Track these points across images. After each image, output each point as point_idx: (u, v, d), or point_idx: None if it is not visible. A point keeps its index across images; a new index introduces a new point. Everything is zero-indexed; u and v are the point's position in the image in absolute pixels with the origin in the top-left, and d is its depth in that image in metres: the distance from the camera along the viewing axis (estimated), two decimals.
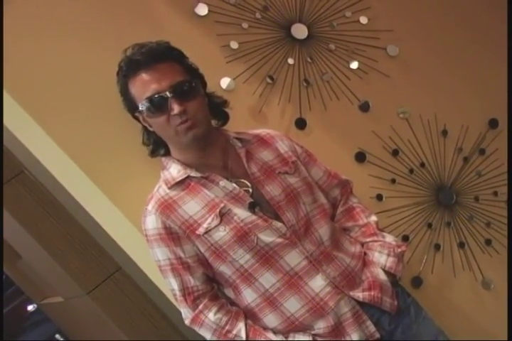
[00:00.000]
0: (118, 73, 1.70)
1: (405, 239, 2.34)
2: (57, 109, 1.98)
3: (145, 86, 1.63)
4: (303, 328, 1.69)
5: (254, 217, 1.66)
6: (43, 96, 1.97)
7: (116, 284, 3.77)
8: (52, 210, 3.70)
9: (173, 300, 1.79)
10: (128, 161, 2.00)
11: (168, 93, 1.61)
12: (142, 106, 1.64)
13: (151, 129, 1.73)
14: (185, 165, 1.72)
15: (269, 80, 2.27)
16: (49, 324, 6.86)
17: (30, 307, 8.12)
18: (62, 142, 1.97)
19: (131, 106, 1.71)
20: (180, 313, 1.76)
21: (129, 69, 1.66)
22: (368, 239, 1.84)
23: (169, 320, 3.69)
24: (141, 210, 1.74)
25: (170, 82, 1.62)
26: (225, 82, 2.19)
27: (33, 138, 2.07)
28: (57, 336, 7.00)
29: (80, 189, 2.13)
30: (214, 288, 1.75)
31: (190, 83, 1.66)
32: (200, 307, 1.70)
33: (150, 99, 1.63)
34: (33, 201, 3.71)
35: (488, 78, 2.68)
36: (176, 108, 1.61)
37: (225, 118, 1.83)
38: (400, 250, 1.82)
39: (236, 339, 1.67)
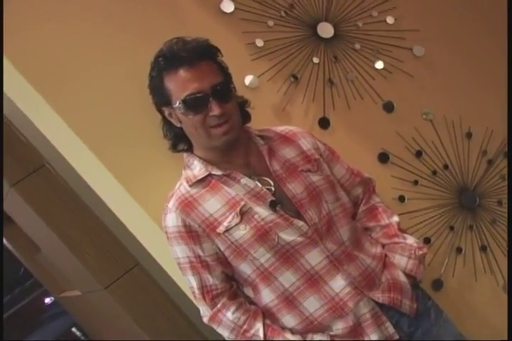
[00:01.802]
0: (153, 66, 1.68)
1: (427, 241, 2.31)
2: (79, 102, 1.98)
3: (185, 83, 1.62)
4: (321, 328, 1.68)
5: (275, 216, 1.65)
6: (65, 88, 1.97)
7: (134, 279, 3.78)
8: (72, 204, 3.72)
9: (191, 297, 1.79)
10: (148, 154, 2.00)
11: (210, 93, 1.61)
12: (180, 103, 1.63)
13: (177, 125, 1.71)
14: (207, 162, 1.71)
15: (292, 79, 2.26)
16: (66, 317, 6.92)
17: (47, 300, 8.21)
18: (83, 135, 1.97)
19: (161, 100, 1.69)
20: (198, 311, 1.76)
21: (169, 63, 1.64)
22: (389, 241, 1.83)
23: (187, 318, 3.70)
24: (160, 205, 1.74)
25: (211, 82, 1.62)
26: (249, 80, 2.18)
27: (55, 131, 2.09)
28: (74, 329, 7.06)
29: (100, 183, 2.15)
30: (233, 287, 1.74)
31: (229, 84, 1.67)
32: (219, 305, 1.70)
33: (190, 97, 1.61)
34: (54, 195, 3.74)
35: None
36: (216, 109, 1.60)
37: (247, 118, 1.82)
38: (421, 252, 1.80)
39: (254, 338, 1.67)
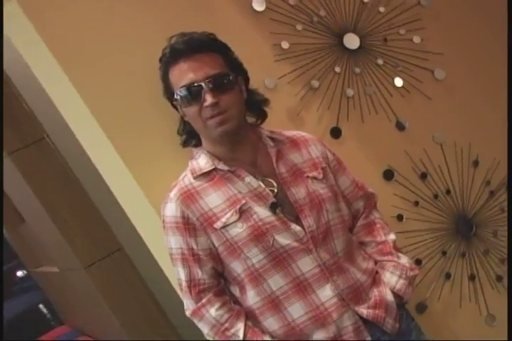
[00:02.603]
0: (161, 60, 1.72)
1: (418, 263, 2.31)
2: (96, 76, 1.98)
3: (182, 74, 1.65)
4: (302, 336, 1.68)
5: (273, 218, 1.66)
6: (84, 59, 1.98)
7: (115, 263, 3.80)
8: (65, 181, 3.74)
9: (168, 289, 1.78)
10: (159, 144, 2.00)
11: (203, 83, 1.62)
12: (177, 94, 1.66)
13: (185, 119, 1.74)
14: (214, 157, 1.72)
15: (313, 85, 2.26)
16: (36, 293, 6.88)
17: (19, 273, 8.16)
18: (95, 110, 1.97)
19: (168, 93, 1.72)
20: (174, 304, 1.75)
21: (170, 56, 1.68)
22: (382, 258, 1.83)
23: (161, 308, 3.71)
24: (162, 193, 1.74)
25: (206, 73, 1.63)
26: (269, 81, 2.18)
27: (66, 103, 2.09)
28: (41, 306, 7.02)
29: (105, 162, 2.14)
30: (220, 284, 1.74)
31: (228, 76, 1.67)
32: (204, 300, 1.69)
33: (185, 88, 1.64)
34: (48, 168, 3.75)
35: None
36: (208, 99, 1.61)
37: (263, 116, 1.83)
38: (412, 273, 1.81)
39: (233, 338, 1.67)
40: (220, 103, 1.62)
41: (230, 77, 1.67)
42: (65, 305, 5.58)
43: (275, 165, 1.73)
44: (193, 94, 1.63)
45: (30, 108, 3.44)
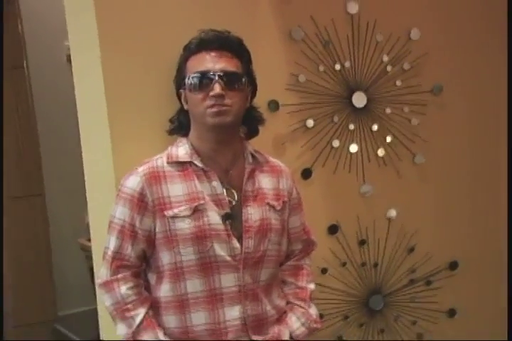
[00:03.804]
0: (185, 47, 1.79)
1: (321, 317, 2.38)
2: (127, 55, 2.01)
3: (200, 62, 1.72)
4: None
5: (221, 227, 1.70)
6: (123, 35, 2.00)
7: (31, 206, 3.78)
8: (23, 113, 3.72)
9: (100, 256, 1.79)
10: (154, 137, 2.00)
11: (217, 75, 1.68)
12: (189, 78, 1.71)
13: (185, 107, 1.78)
14: (195, 151, 1.76)
15: (308, 124, 2.35)
16: None
17: None
18: (110, 83, 1.98)
19: (179, 80, 1.78)
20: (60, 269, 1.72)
21: (196, 46, 1.75)
22: (295, 301, 1.89)
23: (50, 267, 3.71)
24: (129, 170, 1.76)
25: (224, 67, 1.70)
26: (271, 104, 2.25)
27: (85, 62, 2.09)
28: None
29: (90, 129, 2.15)
30: (141, 267, 1.76)
31: (242, 78, 1.73)
32: (119, 275, 1.71)
33: (198, 74, 1.69)
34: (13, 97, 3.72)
35: (456, 224, 2.79)
36: (217, 89, 1.67)
37: (254, 133, 1.89)
38: (315, 325, 1.88)
39: (129, 320, 1.69)
40: (226, 97, 1.68)
41: (242, 79, 1.73)
42: None
43: (244, 181, 1.77)
44: (204, 81, 1.68)
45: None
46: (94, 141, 2.10)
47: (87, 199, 2.18)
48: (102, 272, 1.74)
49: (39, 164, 3.88)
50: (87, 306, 3.70)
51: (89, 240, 3.27)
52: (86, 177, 2.17)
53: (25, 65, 3.73)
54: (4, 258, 3.58)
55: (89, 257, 3.40)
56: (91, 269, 3.34)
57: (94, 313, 2.23)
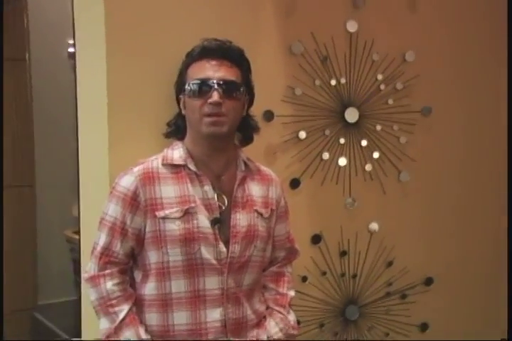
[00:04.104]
0: (188, 54, 1.84)
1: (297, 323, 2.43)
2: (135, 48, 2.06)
3: (201, 70, 1.77)
4: None
5: (209, 231, 1.74)
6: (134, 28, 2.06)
7: (20, 197, 3.80)
8: (21, 108, 3.75)
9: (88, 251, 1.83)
10: (151, 139, 2.06)
11: (216, 82, 1.73)
12: (189, 85, 1.76)
13: (183, 112, 1.83)
14: (190, 155, 1.81)
15: (300, 135, 2.41)
16: None
17: None
18: (113, 80, 2.03)
19: (179, 85, 1.83)
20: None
21: (198, 53, 1.81)
22: (275, 307, 1.93)
23: (35, 256, 3.73)
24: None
25: (223, 76, 1.75)
26: (266, 114, 2.32)
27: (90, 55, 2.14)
28: None
29: (88, 124, 2.19)
30: (129, 264, 1.80)
31: (240, 87, 1.79)
32: (106, 271, 1.74)
33: (198, 81, 1.75)
34: (14, 90, 3.75)
35: (434, 242, 2.86)
36: (215, 96, 1.71)
37: (248, 141, 1.95)
38: (292, 332, 1.92)
39: (112, 315, 1.73)
40: (223, 105, 1.73)
41: (241, 89, 1.79)
42: None
43: (235, 188, 1.82)
44: (204, 88, 1.74)
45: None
46: (91, 138, 2.14)
47: (80, 194, 2.22)
48: (89, 266, 1.78)
49: (32, 156, 3.91)
50: (68, 297, 3.75)
51: (75, 232, 3.33)
52: (80, 173, 2.21)
53: (27, 57, 3.77)
54: None
55: (73, 249, 3.45)
56: (74, 261, 3.39)
57: (73, 304, 2.26)
